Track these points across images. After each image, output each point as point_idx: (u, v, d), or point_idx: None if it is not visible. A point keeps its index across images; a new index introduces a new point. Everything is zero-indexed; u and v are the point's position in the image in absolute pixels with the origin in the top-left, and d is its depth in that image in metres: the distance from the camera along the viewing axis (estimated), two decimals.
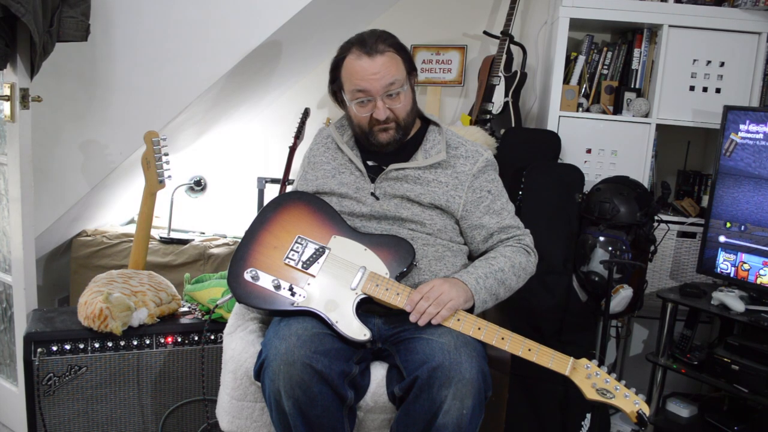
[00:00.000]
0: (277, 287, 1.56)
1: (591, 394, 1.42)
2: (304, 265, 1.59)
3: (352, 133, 1.75)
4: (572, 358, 1.45)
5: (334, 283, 1.56)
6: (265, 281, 1.58)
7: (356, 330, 1.50)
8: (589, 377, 1.43)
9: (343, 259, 1.59)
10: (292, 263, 1.60)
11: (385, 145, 1.66)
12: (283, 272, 1.59)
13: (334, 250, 1.61)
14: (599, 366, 1.44)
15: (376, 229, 1.65)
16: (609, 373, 1.44)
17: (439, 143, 1.69)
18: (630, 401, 1.40)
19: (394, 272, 1.56)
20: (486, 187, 1.69)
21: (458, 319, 1.49)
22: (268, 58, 2.54)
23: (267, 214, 1.70)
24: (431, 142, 1.70)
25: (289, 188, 2.01)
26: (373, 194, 1.66)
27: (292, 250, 1.62)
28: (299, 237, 1.63)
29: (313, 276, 1.58)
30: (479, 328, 1.48)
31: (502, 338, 1.46)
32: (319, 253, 1.60)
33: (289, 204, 1.71)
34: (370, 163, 1.71)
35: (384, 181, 1.66)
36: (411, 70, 1.67)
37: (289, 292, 1.56)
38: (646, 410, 1.39)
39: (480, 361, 1.43)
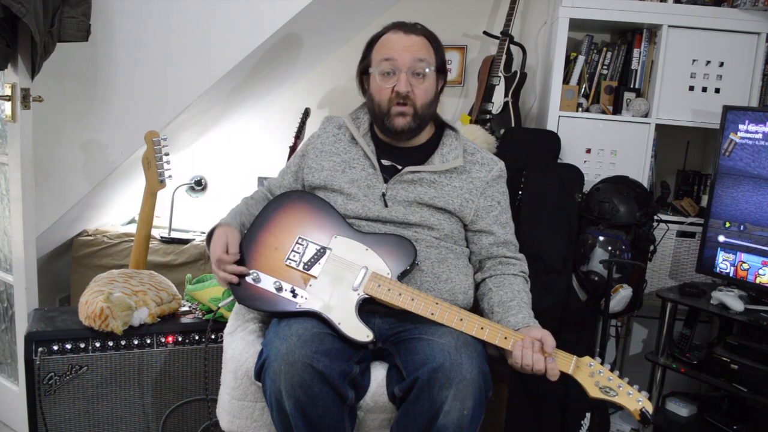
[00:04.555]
0: (279, 289, 1.56)
1: (594, 393, 1.42)
2: (306, 266, 1.59)
3: (368, 128, 1.74)
4: (575, 356, 1.45)
5: (335, 283, 1.56)
6: (267, 283, 1.58)
7: (359, 331, 1.50)
8: (592, 375, 1.43)
9: (345, 260, 1.59)
10: (293, 264, 1.60)
11: (400, 131, 1.64)
12: (284, 273, 1.59)
13: (335, 250, 1.60)
14: (602, 364, 1.44)
15: (380, 230, 1.64)
16: (612, 370, 1.44)
17: (456, 149, 1.69)
18: (633, 399, 1.40)
19: (395, 272, 1.56)
20: (497, 197, 1.70)
21: (461, 319, 1.49)
22: (269, 58, 2.55)
23: (267, 215, 1.69)
24: (448, 146, 1.70)
25: (275, 175, 1.95)
26: (383, 195, 1.65)
27: (293, 251, 1.61)
28: (300, 238, 1.63)
29: (315, 277, 1.57)
30: (482, 328, 1.48)
31: (505, 338, 1.47)
32: (321, 253, 1.60)
33: (289, 204, 1.70)
34: (385, 162, 1.69)
35: (398, 184, 1.65)
36: (441, 68, 1.70)
37: (291, 294, 1.56)
38: (650, 408, 1.39)
39: (480, 361, 1.43)
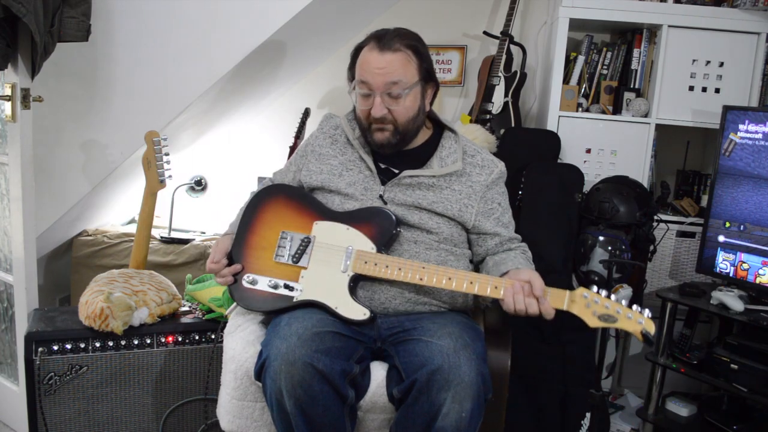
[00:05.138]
0: (274, 287, 1.60)
1: (593, 323, 1.40)
2: (294, 259, 1.61)
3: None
4: (568, 291, 1.43)
5: (325, 269, 1.59)
6: (262, 284, 1.61)
7: (355, 311, 1.53)
8: (589, 306, 1.41)
9: (329, 244, 1.60)
10: (282, 260, 1.62)
11: (380, 145, 1.63)
12: (276, 270, 1.62)
13: (318, 237, 1.62)
14: (597, 292, 1.42)
15: None
16: (608, 297, 1.41)
17: (456, 152, 1.67)
18: (634, 321, 1.38)
19: (379, 245, 1.58)
20: (497, 199, 1.70)
21: (449, 278, 1.50)
22: (269, 58, 2.55)
23: (249, 216, 1.71)
24: (447, 149, 1.68)
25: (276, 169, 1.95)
26: (381, 197, 1.64)
27: (279, 246, 1.64)
28: (283, 232, 1.65)
29: (305, 268, 1.60)
30: (471, 282, 1.49)
31: (495, 287, 1.48)
32: (305, 243, 1.62)
33: (267, 200, 1.71)
34: (382, 165, 1.68)
35: (395, 187, 1.64)
36: (428, 78, 1.63)
37: (286, 289, 1.59)
38: (651, 328, 1.37)
39: (479, 363, 1.43)
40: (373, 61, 1.56)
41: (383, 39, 1.57)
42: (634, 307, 1.39)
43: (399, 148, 1.65)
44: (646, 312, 1.39)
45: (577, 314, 1.42)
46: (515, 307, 1.44)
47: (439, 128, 1.74)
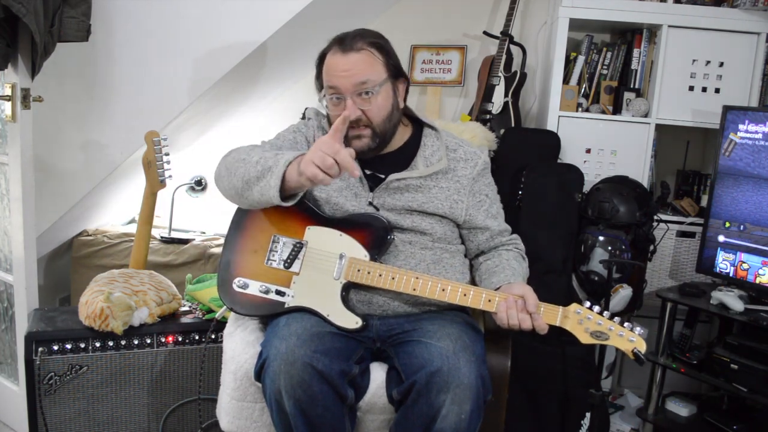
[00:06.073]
0: (266, 292, 1.58)
1: (586, 339, 1.41)
2: (286, 264, 1.59)
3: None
4: (561, 307, 1.45)
5: (317, 276, 1.57)
6: (253, 288, 1.59)
7: (347, 319, 1.52)
8: (581, 322, 1.42)
9: (322, 250, 1.59)
10: (274, 264, 1.60)
11: (359, 152, 1.58)
12: (267, 275, 1.60)
13: (310, 242, 1.60)
14: (590, 308, 1.43)
15: None
16: (600, 314, 1.42)
17: (439, 149, 1.66)
18: (625, 339, 1.39)
19: (373, 253, 1.57)
20: (484, 191, 1.69)
21: (443, 289, 1.50)
22: (269, 58, 2.55)
23: (240, 218, 1.69)
24: (431, 148, 1.67)
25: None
26: (371, 204, 1.63)
27: (271, 250, 1.62)
28: (275, 236, 1.63)
29: (297, 273, 1.58)
30: (465, 294, 1.50)
31: (489, 300, 1.48)
32: (297, 248, 1.60)
33: None
34: (367, 171, 1.66)
35: (384, 192, 1.63)
36: (397, 74, 1.61)
37: (277, 295, 1.57)
38: (642, 347, 1.38)
39: (479, 365, 1.43)
40: (339, 64, 1.53)
41: (345, 41, 1.55)
42: (626, 324, 1.39)
43: (379, 151, 1.63)
44: (638, 330, 1.40)
45: (570, 330, 1.44)
46: (508, 321, 1.45)
47: (419, 126, 1.72)
